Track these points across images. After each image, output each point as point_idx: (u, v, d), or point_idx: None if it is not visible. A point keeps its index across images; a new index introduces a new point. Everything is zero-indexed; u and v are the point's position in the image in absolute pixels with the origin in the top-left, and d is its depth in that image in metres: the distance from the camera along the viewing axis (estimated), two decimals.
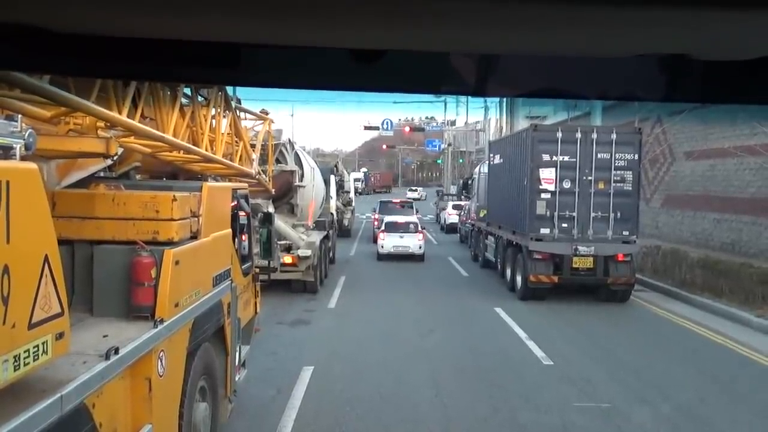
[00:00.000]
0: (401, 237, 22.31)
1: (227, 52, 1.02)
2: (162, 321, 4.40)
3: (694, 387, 9.17)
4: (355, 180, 43.13)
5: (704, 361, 10.70)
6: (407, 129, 64.81)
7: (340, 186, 27.55)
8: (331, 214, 21.88)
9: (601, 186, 14.82)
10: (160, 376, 4.34)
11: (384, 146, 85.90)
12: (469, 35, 0.92)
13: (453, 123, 63.17)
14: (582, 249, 14.71)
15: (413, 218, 24.84)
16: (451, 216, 33.84)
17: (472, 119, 61.03)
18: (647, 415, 7.89)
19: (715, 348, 11.46)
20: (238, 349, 6.80)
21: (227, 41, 1.00)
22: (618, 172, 14.84)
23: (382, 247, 22.37)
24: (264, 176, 10.87)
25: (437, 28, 0.89)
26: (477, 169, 25.80)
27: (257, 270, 8.16)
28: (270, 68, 1.09)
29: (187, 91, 6.49)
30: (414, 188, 78.37)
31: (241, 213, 7.05)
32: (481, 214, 21.53)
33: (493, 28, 0.90)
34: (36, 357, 2.86)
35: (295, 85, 1.12)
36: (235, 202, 6.77)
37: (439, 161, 79.50)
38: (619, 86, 1.13)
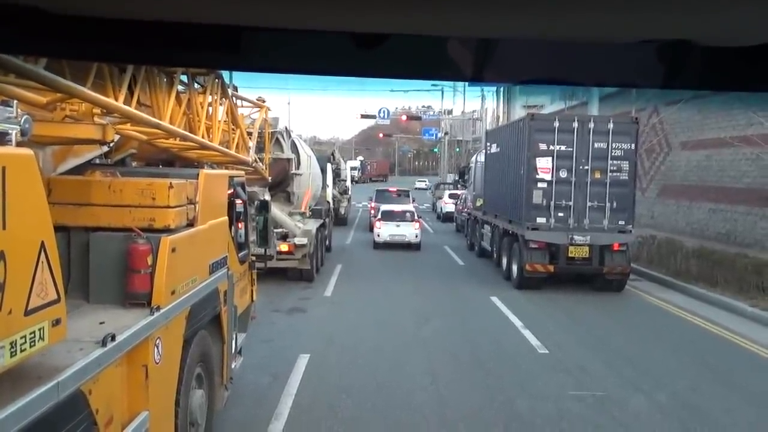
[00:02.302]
0: (398, 226, 22.32)
1: (227, 36, 1.01)
2: (158, 308, 4.40)
3: (689, 376, 9.22)
4: (352, 168, 43.08)
5: (699, 350, 10.75)
6: (404, 118, 64.79)
7: (337, 174, 27.52)
8: (328, 202, 21.86)
9: (597, 175, 14.85)
10: (157, 363, 4.34)
11: (381, 135, 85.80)
12: (468, 19, 0.91)
13: (450, 112, 63.10)
14: (578, 238, 14.75)
15: (410, 207, 24.86)
16: (448, 205, 33.89)
17: (469, 108, 60.98)
18: (641, 403, 7.94)
19: (710, 337, 11.52)
20: (234, 336, 6.81)
21: (227, 24, 0.99)
22: (614, 161, 14.86)
23: (379, 235, 22.37)
24: (260, 164, 10.85)
25: (438, 11, 0.88)
26: (474, 158, 25.80)
27: (253, 258, 8.16)
28: (270, 53, 1.09)
29: (184, 78, 6.47)
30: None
31: (238, 201, 7.04)
32: (478, 203, 21.54)
33: (492, 12, 0.89)
34: (32, 343, 2.86)
35: (295, 70, 1.11)
36: (232, 190, 6.76)
37: (435, 150, 79.40)
38: (619, 73, 1.13)
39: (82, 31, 0.99)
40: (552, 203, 14.86)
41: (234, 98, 8.68)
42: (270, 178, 12.14)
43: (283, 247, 14.61)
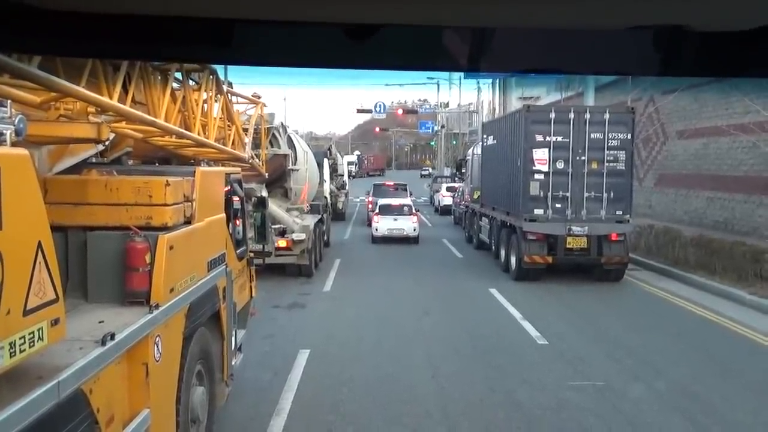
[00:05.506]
0: (395, 219, 22.32)
1: (219, 29, 1.00)
2: (157, 306, 4.40)
3: (688, 364, 9.25)
4: (349, 163, 43.07)
5: (698, 338, 10.78)
6: (400, 111, 64.77)
7: (334, 169, 27.50)
8: (325, 197, 21.86)
9: (594, 166, 14.85)
10: (157, 361, 4.34)
11: (377, 129, 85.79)
12: (462, 8, 0.91)
13: (446, 105, 63.07)
14: (576, 229, 14.76)
15: (407, 200, 24.86)
16: (445, 198, 33.91)
17: (465, 101, 60.93)
18: (641, 392, 7.96)
19: (709, 326, 11.54)
20: (234, 333, 6.81)
21: (219, 17, 0.98)
22: (611, 151, 14.86)
23: (377, 230, 22.38)
24: (257, 160, 10.84)
25: (430, 1, 0.88)
26: (470, 151, 25.78)
27: (252, 254, 8.16)
28: (263, 46, 1.08)
29: (178, 75, 6.44)
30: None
31: (235, 197, 7.03)
32: (475, 196, 21.54)
33: (486, 1, 0.89)
34: (32, 344, 2.85)
35: (288, 63, 1.10)
36: (229, 187, 6.75)
37: (432, 143, 79.35)
38: (615, 60, 1.12)
39: (74, 27, 0.98)
40: (549, 194, 14.87)
41: (229, 95, 8.65)
42: (267, 174, 12.12)
43: (281, 242, 14.61)
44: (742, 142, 18.77)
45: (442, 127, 61.30)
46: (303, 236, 15.02)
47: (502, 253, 17.00)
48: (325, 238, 20.14)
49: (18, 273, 2.78)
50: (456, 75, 42.82)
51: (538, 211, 14.98)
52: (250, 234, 8.48)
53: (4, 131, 3.03)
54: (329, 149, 28.27)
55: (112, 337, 3.69)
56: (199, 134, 6.71)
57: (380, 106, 51.38)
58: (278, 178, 15.40)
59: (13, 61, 3.10)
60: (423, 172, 70.30)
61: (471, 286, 15.11)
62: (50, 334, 3.00)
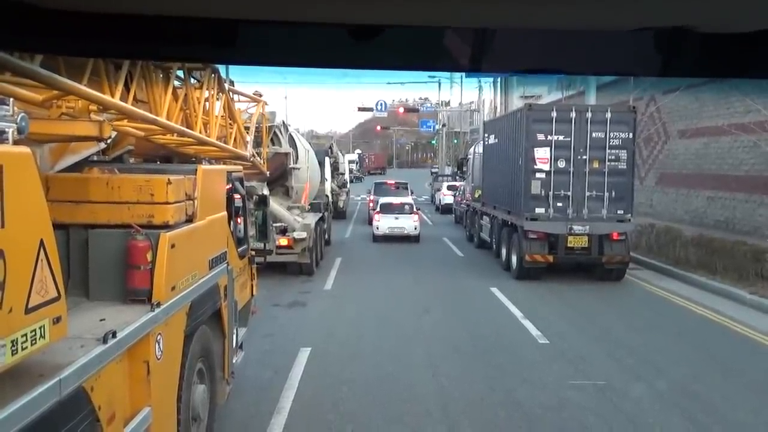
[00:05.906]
0: (396, 218, 22.29)
1: (222, 29, 1.01)
2: (159, 304, 4.40)
3: (689, 364, 9.25)
4: (350, 162, 43.00)
5: (699, 338, 10.78)
6: (401, 110, 64.73)
7: (335, 168, 27.50)
8: (327, 196, 21.86)
9: (595, 165, 14.85)
10: (158, 359, 4.35)
11: (378, 127, 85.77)
12: (464, 9, 0.91)
13: (447, 103, 63.01)
14: (577, 228, 14.76)
15: (408, 199, 24.83)
16: (446, 196, 33.88)
17: (467, 99, 60.88)
18: (642, 391, 7.96)
19: (710, 325, 11.54)
20: (235, 331, 6.82)
21: (222, 18, 0.99)
22: (612, 151, 14.86)
23: (378, 228, 22.36)
24: (258, 158, 10.84)
25: (433, 2, 0.88)
26: (472, 150, 25.76)
27: (253, 252, 8.16)
28: (266, 45, 1.08)
29: (180, 73, 6.44)
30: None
31: (236, 196, 7.03)
32: (476, 195, 21.54)
33: (488, 2, 0.89)
34: (33, 341, 2.86)
35: (291, 63, 1.11)
36: (230, 185, 6.75)
37: (433, 142, 79.31)
38: (617, 61, 1.13)
39: (76, 26, 0.99)
40: (550, 193, 14.87)
41: (231, 93, 8.65)
42: (268, 172, 12.13)
43: (283, 241, 14.63)
44: (743, 141, 18.76)
45: (444, 125, 61.24)
46: (304, 234, 15.03)
47: (503, 251, 16.99)
48: (326, 236, 20.15)
49: (20, 271, 2.78)
50: (457, 74, 42.84)
51: (540, 210, 14.98)
52: (252, 232, 8.49)
53: (7, 129, 3.03)
54: (330, 148, 28.27)
55: (114, 335, 3.70)
56: (200, 132, 6.71)
57: (381, 104, 51.39)
58: (279, 177, 15.42)
59: (15, 60, 3.10)
60: (433, 170, 68.52)
61: (472, 284, 15.11)
62: (52, 332, 3.01)
